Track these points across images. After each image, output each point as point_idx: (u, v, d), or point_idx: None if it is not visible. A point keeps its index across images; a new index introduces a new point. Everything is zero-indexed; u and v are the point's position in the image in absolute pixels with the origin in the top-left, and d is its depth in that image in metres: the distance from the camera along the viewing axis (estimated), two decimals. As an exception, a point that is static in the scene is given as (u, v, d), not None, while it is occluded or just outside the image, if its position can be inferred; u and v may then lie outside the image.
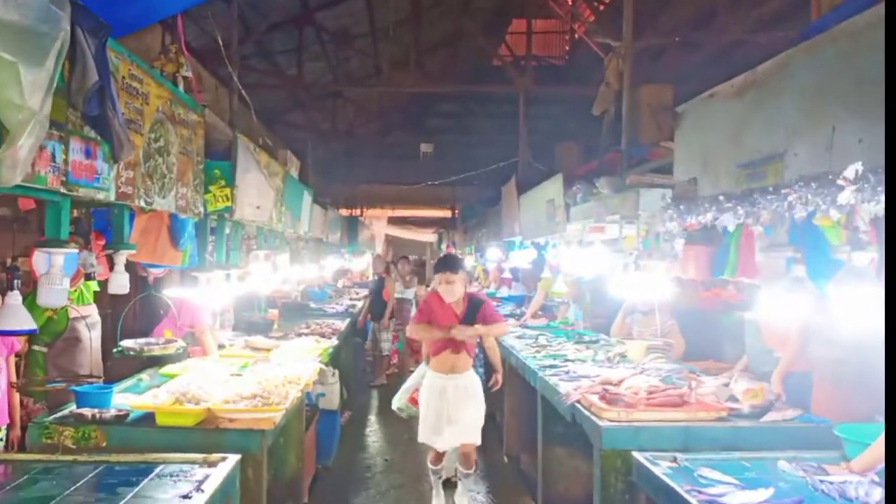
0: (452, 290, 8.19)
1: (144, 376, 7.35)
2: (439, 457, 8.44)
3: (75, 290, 7.21)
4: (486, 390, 8.56)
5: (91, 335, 7.54)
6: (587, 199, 9.30)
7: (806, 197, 3.93)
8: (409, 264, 18.93)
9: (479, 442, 8.28)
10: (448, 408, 8.08)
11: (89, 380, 6.58)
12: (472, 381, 8.30)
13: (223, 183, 7.40)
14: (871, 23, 3.64)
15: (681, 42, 14.51)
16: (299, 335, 10.76)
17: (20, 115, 3.10)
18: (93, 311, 7.74)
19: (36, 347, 7.25)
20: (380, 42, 19.05)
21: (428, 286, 24.60)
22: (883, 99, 3.33)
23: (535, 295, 14.76)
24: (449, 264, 8.48)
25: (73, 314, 7.26)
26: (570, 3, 17.65)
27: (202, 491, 4.28)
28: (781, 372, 6.86)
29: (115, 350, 7.47)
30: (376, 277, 18.17)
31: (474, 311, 8.22)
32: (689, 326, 9.47)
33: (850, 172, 3.55)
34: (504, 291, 18.00)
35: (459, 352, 8.17)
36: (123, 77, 4.90)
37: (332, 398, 9.24)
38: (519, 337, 10.62)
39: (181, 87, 6.75)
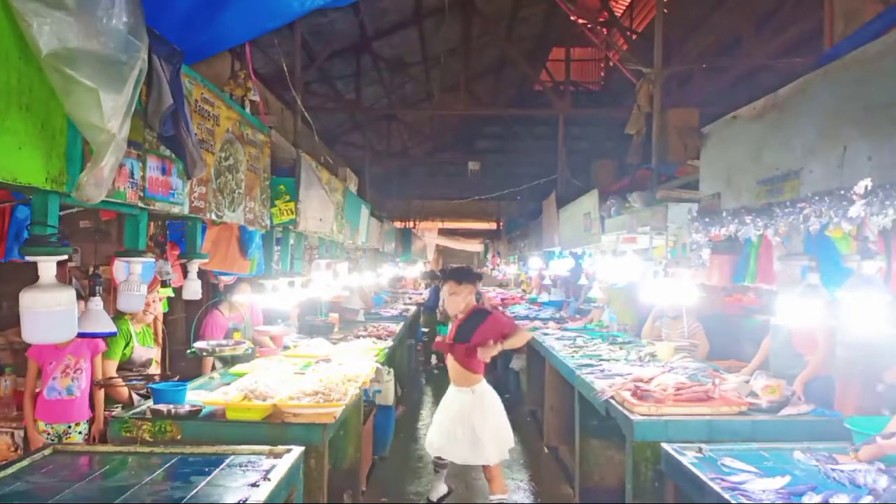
0: (454, 302, 7.56)
1: (215, 374, 7.43)
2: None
3: None
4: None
5: None
6: (620, 213, 9.31)
7: (820, 210, 3.91)
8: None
9: (491, 462, 7.40)
10: (454, 421, 7.45)
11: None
12: (477, 396, 7.47)
13: (288, 198, 7.44)
14: (881, 51, 3.62)
15: (707, 67, 14.44)
16: (357, 337, 10.79)
17: (102, 137, 3.12)
18: None
19: None
20: (431, 69, 19.20)
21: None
22: (891, 121, 3.32)
23: (573, 301, 14.81)
24: (455, 274, 7.73)
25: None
26: (605, 33, 17.59)
27: (269, 480, 4.32)
28: (807, 376, 6.83)
29: (188, 351, 7.55)
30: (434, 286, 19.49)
31: (471, 327, 7.47)
32: (713, 329, 9.44)
33: (859, 188, 3.53)
34: (544, 297, 18.04)
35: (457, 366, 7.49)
36: (196, 100, 4.95)
37: (387, 394, 9.22)
38: (558, 339, 10.57)
39: (249, 110, 6.82)
